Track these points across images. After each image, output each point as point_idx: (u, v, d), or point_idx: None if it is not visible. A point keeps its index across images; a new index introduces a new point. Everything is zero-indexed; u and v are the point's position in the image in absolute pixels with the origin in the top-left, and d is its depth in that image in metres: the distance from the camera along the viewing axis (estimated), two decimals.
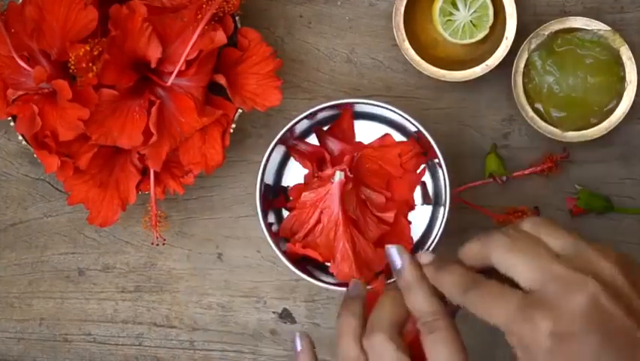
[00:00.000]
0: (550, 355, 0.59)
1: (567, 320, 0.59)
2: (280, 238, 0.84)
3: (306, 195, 0.82)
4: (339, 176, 0.81)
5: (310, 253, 0.81)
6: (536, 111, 0.85)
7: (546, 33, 0.84)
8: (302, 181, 0.86)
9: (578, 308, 0.59)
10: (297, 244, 0.82)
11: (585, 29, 0.84)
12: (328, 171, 0.82)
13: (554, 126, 0.84)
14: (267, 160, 0.82)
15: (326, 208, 0.82)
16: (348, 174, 0.81)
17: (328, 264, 0.85)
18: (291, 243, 0.82)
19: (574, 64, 0.83)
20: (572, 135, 0.85)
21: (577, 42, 0.83)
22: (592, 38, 0.83)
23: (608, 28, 0.83)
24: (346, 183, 0.81)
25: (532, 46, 0.84)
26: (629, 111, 0.84)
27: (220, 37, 0.77)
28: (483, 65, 0.84)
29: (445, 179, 0.81)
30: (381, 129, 0.86)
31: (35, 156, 0.80)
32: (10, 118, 0.81)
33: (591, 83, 0.83)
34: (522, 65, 0.84)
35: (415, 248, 0.84)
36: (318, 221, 0.82)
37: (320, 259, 0.81)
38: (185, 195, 0.87)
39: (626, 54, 0.84)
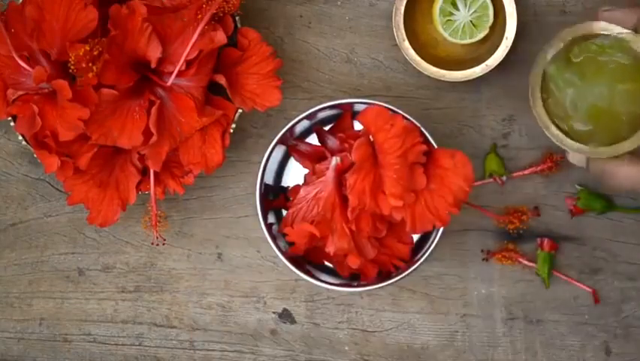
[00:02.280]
0: None
1: None
2: (280, 237, 0.84)
3: (305, 189, 0.82)
4: (335, 161, 0.80)
5: (307, 227, 0.79)
6: (558, 127, 0.76)
7: (562, 44, 0.75)
8: (302, 181, 0.86)
9: None
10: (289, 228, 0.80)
11: (603, 34, 0.75)
12: (326, 163, 0.81)
13: (584, 143, 0.76)
14: (267, 160, 0.82)
15: (322, 191, 0.81)
16: (349, 158, 0.79)
17: (328, 264, 0.85)
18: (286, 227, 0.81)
19: (595, 72, 0.74)
20: None
21: (595, 49, 0.75)
22: (611, 43, 0.75)
23: (628, 30, 0.74)
24: (362, 164, 0.78)
25: (549, 57, 0.76)
26: None
27: (220, 37, 0.77)
28: (483, 65, 0.84)
29: None
30: None
31: (35, 156, 0.80)
32: (10, 118, 0.82)
33: (617, 90, 0.74)
34: (538, 80, 0.76)
35: (415, 248, 0.84)
36: (317, 208, 0.81)
37: (317, 234, 0.79)
38: (185, 195, 0.87)
39: None
